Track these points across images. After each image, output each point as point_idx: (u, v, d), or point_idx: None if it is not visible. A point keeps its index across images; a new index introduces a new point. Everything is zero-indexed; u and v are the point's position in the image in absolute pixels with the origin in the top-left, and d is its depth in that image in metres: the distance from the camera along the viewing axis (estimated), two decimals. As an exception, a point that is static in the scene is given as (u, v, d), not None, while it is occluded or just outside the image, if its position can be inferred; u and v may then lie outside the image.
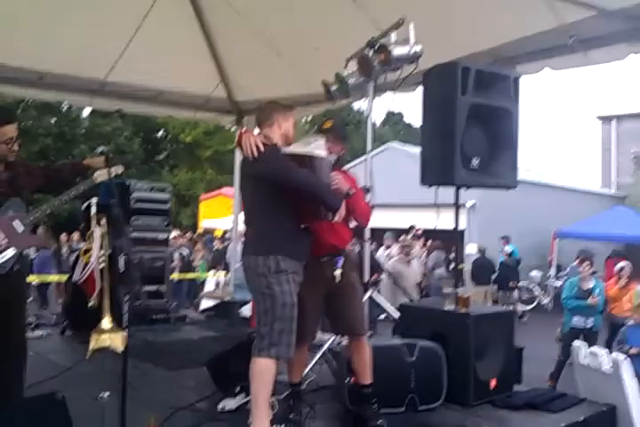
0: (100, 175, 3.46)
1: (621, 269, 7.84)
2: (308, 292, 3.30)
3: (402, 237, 11.10)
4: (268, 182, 3.06)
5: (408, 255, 8.94)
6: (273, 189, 3.06)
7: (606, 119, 21.58)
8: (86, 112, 27.76)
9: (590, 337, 6.61)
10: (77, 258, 5.20)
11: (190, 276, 10.88)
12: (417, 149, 8.03)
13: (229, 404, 3.49)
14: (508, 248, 13.71)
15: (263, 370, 2.99)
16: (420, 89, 4.40)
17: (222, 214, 17.04)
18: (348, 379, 3.59)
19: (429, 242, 12.90)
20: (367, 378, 3.45)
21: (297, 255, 3.14)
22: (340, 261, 3.41)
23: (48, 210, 3.36)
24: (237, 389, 3.49)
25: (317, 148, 3.18)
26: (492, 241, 14.19)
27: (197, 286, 11.14)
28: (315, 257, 3.32)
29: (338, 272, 3.38)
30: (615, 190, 20.83)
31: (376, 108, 4.42)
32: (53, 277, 10.11)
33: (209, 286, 9.78)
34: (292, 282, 3.08)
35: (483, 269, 12.07)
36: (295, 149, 3.19)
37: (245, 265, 3.17)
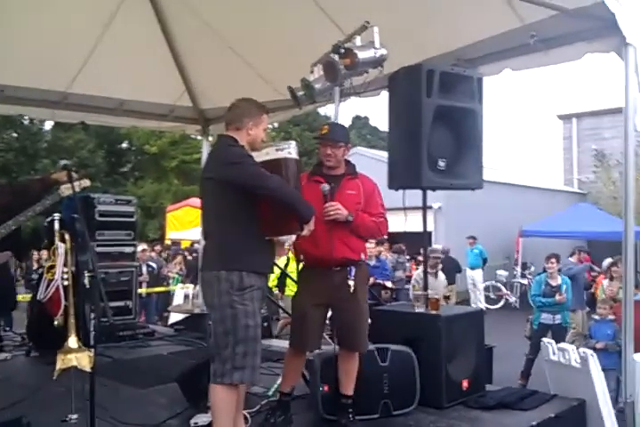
0: (67, 189, 3.39)
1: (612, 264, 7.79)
2: (311, 300, 3.30)
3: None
4: (238, 189, 2.85)
5: (434, 267, 7.97)
6: (240, 197, 2.86)
7: (566, 118, 22.02)
8: (48, 125, 27.37)
9: (559, 333, 6.73)
10: (41, 275, 5.09)
11: (159, 289, 10.72)
12: (384, 153, 8.10)
13: (202, 419, 3.42)
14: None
15: (224, 398, 2.80)
16: (386, 93, 4.42)
17: (189, 226, 16.89)
18: (322, 388, 3.58)
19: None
20: (349, 389, 3.44)
21: (262, 269, 2.99)
22: (353, 271, 3.35)
23: (13, 226, 3.28)
24: (209, 403, 3.43)
25: (290, 153, 3.07)
26: (459, 242, 14.37)
27: (169, 298, 10.99)
28: (326, 267, 3.28)
29: (352, 282, 3.32)
30: (577, 187, 21.26)
31: (342, 112, 4.43)
32: (18, 297, 9.84)
33: (177, 300, 9.66)
34: (257, 299, 2.91)
35: (448, 269, 12.19)
36: (265, 156, 3.06)
37: (204, 281, 2.95)
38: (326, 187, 3.33)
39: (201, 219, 3.19)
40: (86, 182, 3.57)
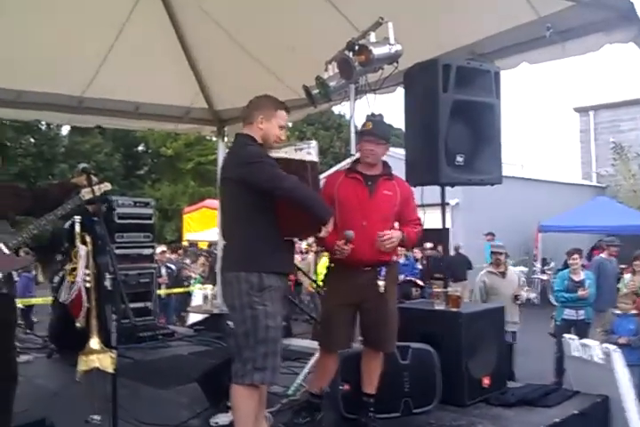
0: (88, 193, 3.41)
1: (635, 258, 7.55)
2: (340, 300, 3.28)
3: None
4: (255, 189, 2.81)
5: (499, 265, 6.95)
6: (257, 197, 2.83)
7: (583, 111, 21.79)
8: (65, 130, 27.64)
9: (582, 329, 6.65)
10: (63, 279, 5.14)
11: (178, 290, 10.78)
12: (398, 150, 8.06)
13: (222, 419, 3.43)
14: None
15: (246, 399, 2.79)
16: (401, 89, 4.40)
17: (206, 227, 16.96)
18: (342, 386, 3.57)
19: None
20: (372, 388, 3.43)
21: (281, 269, 2.96)
22: (384, 272, 3.32)
23: (35, 230, 3.31)
24: (229, 403, 3.44)
25: (310, 153, 2.98)
26: (477, 238, 14.26)
27: (188, 299, 11.05)
28: (355, 267, 3.27)
29: (382, 283, 3.28)
30: (596, 181, 21.03)
31: (358, 110, 4.41)
32: (37, 300, 9.98)
33: (197, 300, 9.70)
34: (277, 300, 2.88)
35: (459, 266, 12.12)
36: (284, 154, 2.98)
37: (225, 282, 2.94)
38: (350, 233, 3.22)
39: (220, 220, 3.18)
40: (107, 186, 3.61)
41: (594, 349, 4.07)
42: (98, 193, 3.31)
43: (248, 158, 2.87)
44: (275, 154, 2.98)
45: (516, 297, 6.61)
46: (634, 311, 5.89)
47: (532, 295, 7.03)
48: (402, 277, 8.72)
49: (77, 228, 3.66)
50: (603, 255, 8.76)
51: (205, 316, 7.06)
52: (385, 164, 3.53)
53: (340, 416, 3.58)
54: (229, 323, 6.21)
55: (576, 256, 7.20)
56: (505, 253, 7.20)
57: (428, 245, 13.47)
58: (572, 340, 4.40)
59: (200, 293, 8.90)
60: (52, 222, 3.42)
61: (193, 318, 8.16)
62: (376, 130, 3.48)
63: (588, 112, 21.51)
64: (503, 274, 6.84)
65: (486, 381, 3.88)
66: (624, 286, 6.83)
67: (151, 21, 6.02)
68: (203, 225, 17.68)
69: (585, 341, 4.30)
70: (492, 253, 7.14)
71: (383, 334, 3.35)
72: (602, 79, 56.96)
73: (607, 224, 13.80)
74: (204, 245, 16.80)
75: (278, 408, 3.70)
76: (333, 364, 3.46)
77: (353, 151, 4.17)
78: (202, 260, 12.31)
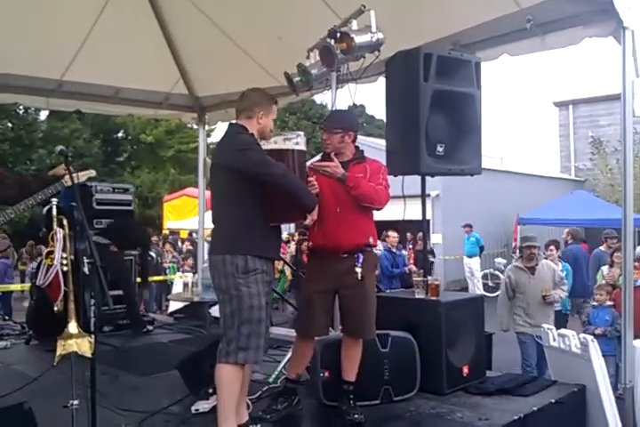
0: (69, 179, 3.38)
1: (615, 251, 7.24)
2: (318, 287, 3.31)
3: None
4: (244, 175, 2.91)
5: (531, 260, 6.06)
6: (246, 183, 2.93)
7: (563, 105, 21.98)
8: (43, 115, 27.19)
9: (560, 320, 6.72)
10: (40, 264, 5.08)
11: (159, 278, 10.73)
12: (381, 141, 8.06)
13: (203, 406, 3.43)
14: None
15: (230, 377, 2.89)
16: (382, 80, 4.39)
17: (187, 215, 16.85)
18: (322, 374, 3.58)
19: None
20: (351, 376, 3.45)
21: (266, 254, 3.04)
22: (361, 259, 3.34)
23: (12, 214, 3.27)
24: (210, 390, 3.43)
25: (298, 143, 3.10)
26: (457, 230, 14.38)
27: (168, 287, 11.01)
28: (334, 254, 3.30)
29: (359, 270, 3.31)
30: (574, 175, 21.27)
31: (339, 99, 4.40)
32: (15, 287, 9.87)
33: (177, 288, 9.66)
34: (261, 282, 2.97)
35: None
36: (273, 145, 3.09)
37: (212, 264, 3.03)
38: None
39: (211, 203, 3.24)
40: (92, 173, 3.58)
41: (571, 339, 4.12)
42: (83, 179, 3.30)
43: (239, 145, 2.95)
44: (265, 146, 3.07)
45: (544, 297, 5.81)
46: (609, 303, 5.98)
47: (564, 294, 6.26)
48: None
49: (54, 211, 3.61)
50: (602, 248, 8.74)
51: (185, 304, 7.04)
52: (357, 149, 3.55)
53: (320, 404, 3.60)
54: (210, 311, 6.24)
55: (552, 248, 7.27)
56: (538, 246, 6.29)
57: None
58: (549, 330, 4.45)
59: (180, 280, 8.85)
60: (29, 207, 3.39)
61: (173, 305, 8.13)
62: (328, 120, 3.55)
63: (568, 106, 21.72)
64: (532, 270, 6.00)
65: (465, 370, 3.92)
66: (602, 278, 6.91)
67: (131, 4, 5.94)
68: (184, 213, 17.55)
69: (562, 331, 4.35)
70: (523, 247, 6.21)
71: (362, 321, 3.37)
72: (582, 74, 57.56)
73: (585, 217, 13.95)
74: (184, 234, 16.69)
75: (258, 395, 3.71)
76: (309, 350, 3.49)
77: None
78: (167, 246, 12.29)
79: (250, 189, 2.95)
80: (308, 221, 3.11)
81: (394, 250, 8.95)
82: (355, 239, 3.34)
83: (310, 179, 3.26)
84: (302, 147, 3.13)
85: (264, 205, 3.00)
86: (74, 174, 3.28)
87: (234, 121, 3.19)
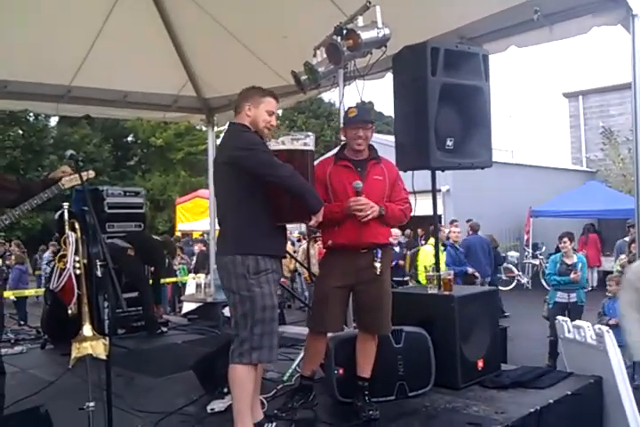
0: (68, 182, 3.39)
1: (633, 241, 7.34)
2: (334, 283, 3.30)
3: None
4: (248, 174, 2.86)
5: None
6: (251, 182, 2.88)
7: (572, 96, 21.81)
8: (53, 121, 27.42)
9: (575, 311, 6.68)
10: (54, 269, 5.12)
11: (170, 280, 10.79)
12: (389, 138, 8.02)
13: (218, 405, 3.44)
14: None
15: (243, 377, 2.88)
16: (390, 75, 4.38)
17: (199, 217, 16.94)
18: (336, 371, 3.58)
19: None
20: (367, 372, 3.44)
21: (275, 252, 3.03)
22: (380, 254, 3.34)
23: (8, 221, 3.30)
24: (225, 389, 3.44)
25: (307, 144, 3.06)
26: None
27: (179, 289, 11.07)
28: (353, 250, 3.30)
29: (378, 265, 3.30)
30: (586, 166, 21.12)
31: (347, 97, 4.39)
32: (30, 292, 9.96)
33: (190, 289, 9.71)
34: (272, 282, 2.96)
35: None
36: (281, 145, 3.05)
37: (221, 265, 3.00)
38: (359, 184, 3.27)
39: (216, 205, 3.19)
40: (91, 174, 3.58)
41: (586, 330, 4.09)
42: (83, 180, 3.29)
43: (244, 144, 2.91)
44: (273, 146, 3.03)
45: None
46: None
47: None
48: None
49: (66, 215, 3.64)
50: (626, 239, 8.58)
51: (199, 304, 7.06)
52: (371, 147, 3.52)
53: (335, 401, 3.59)
54: (223, 311, 6.26)
55: (566, 240, 7.24)
56: None
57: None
58: (564, 322, 4.42)
59: (194, 282, 8.89)
60: (24, 213, 3.41)
61: (187, 306, 8.16)
62: (363, 115, 3.47)
63: (578, 97, 21.54)
64: None
65: (480, 363, 3.90)
66: (617, 268, 6.86)
67: (138, 9, 5.96)
68: (197, 215, 17.65)
69: (578, 322, 4.31)
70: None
71: (379, 316, 3.36)
72: (590, 64, 57.08)
73: (597, 208, 13.89)
74: (197, 235, 16.77)
75: (274, 394, 3.71)
76: (322, 346, 3.48)
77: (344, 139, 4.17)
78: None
79: (255, 187, 2.90)
80: (312, 223, 3.06)
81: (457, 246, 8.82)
82: (374, 239, 3.34)
83: (363, 201, 3.24)
84: (311, 147, 3.09)
85: (271, 205, 2.96)
86: (71, 177, 3.29)
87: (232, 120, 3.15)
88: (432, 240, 7.96)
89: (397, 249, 10.10)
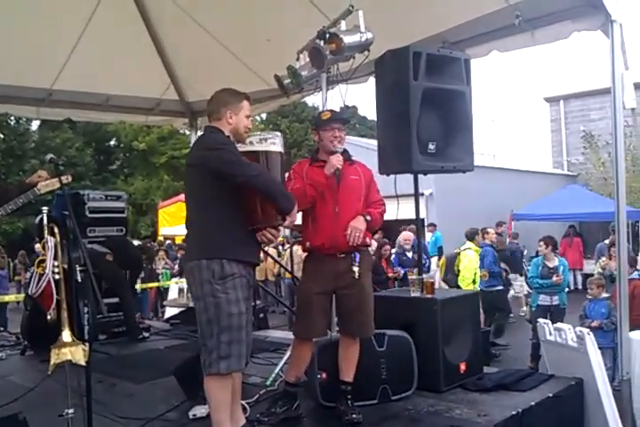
0: (44, 187, 3.36)
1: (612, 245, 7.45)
2: (317, 288, 3.30)
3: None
4: (217, 176, 2.78)
5: None
6: (220, 185, 2.79)
7: (553, 100, 22.01)
8: (35, 125, 27.16)
9: (557, 314, 6.73)
10: (33, 274, 5.06)
11: (152, 285, 10.71)
12: (373, 142, 8.04)
13: (200, 411, 3.40)
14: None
15: (218, 388, 2.78)
16: (373, 80, 4.39)
17: (182, 221, 16.77)
18: (319, 375, 3.57)
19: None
20: (349, 376, 3.43)
21: (244, 258, 2.90)
22: (358, 258, 3.35)
23: None
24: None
25: (273, 144, 3.05)
26: (451, 228, 14.32)
27: (162, 294, 10.99)
28: (331, 254, 3.31)
29: (356, 269, 3.32)
30: (567, 170, 21.31)
31: (330, 101, 4.40)
32: (10, 298, 9.83)
33: (173, 294, 9.64)
34: (240, 287, 2.83)
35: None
36: (249, 146, 3.03)
37: (187, 271, 2.90)
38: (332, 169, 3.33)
39: (185, 206, 3.09)
40: (68, 178, 3.54)
41: (567, 332, 4.12)
42: (57, 185, 3.26)
43: (211, 145, 2.87)
44: (241, 148, 3.01)
45: None
46: (605, 295, 5.99)
47: None
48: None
49: (45, 220, 3.59)
50: (606, 242, 8.68)
51: (181, 309, 7.01)
52: (343, 149, 3.51)
53: (318, 405, 3.58)
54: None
55: (542, 244, 7.28)
56: None
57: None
58: (545, 324, 4.45)
59: (176, 286, 8.83)
60: (2, 218, 3.37)
61: (169, 311, 8.10)
62: (339, 115, 3.53)
63: (559, 102, 21.72)
64: None
65: (462, 366, 3.91)
66: (598, 270, 6.93)
67: (120, 12, 5.94)
68: (179, 219, 17.52)
69: (559, 325, 4.35)
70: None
71: (361, 319, 3.37)
72: (571, 69, 57.64)
73: (579, 212, 13.99)
74: (180, 240, 16.65)
75: (256, 399, 3.69)
76: (308, 353, 3.46)
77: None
78: (160, 253, 12.26)
79: (224, 189, 2.81)
80: (287, 224, 3.03)
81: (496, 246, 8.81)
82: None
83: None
84: (279, 148, 3.07)
85: (240, 209, 2.89)
86: (47, 182, 3.25)
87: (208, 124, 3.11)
88: (471, 245, 8.13)
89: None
